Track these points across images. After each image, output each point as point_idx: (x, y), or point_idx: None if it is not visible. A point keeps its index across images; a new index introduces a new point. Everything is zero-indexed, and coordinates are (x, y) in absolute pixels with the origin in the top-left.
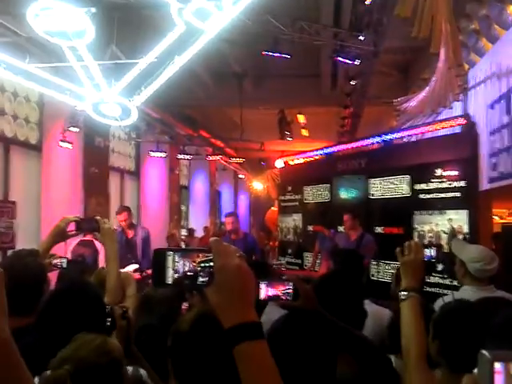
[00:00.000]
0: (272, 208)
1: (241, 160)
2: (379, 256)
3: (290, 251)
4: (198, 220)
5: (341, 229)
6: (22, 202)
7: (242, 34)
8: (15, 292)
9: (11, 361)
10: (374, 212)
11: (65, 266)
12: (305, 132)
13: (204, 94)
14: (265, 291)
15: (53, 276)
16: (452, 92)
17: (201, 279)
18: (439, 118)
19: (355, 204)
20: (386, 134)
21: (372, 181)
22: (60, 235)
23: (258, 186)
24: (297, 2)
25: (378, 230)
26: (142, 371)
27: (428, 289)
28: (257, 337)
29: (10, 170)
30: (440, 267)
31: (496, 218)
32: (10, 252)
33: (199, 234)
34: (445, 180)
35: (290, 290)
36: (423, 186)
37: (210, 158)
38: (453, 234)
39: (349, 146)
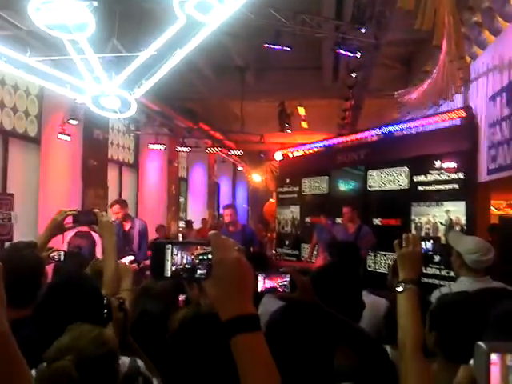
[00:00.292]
0: (270, 200)
1: (240, 152)
2: (376, 247)
3: (287, 243)
4: (196, 212)
5: (339, 221)
6: (20, 195)
7: (244, 27)
8: (13, 284)
9: (9, 353)
10: (371, 204)
11: (62, 259)
12: (305, 124)
13: (205, 87)
14: (262, 283)
15: (48, 269)
16: (454, 84)
17: (199, 272)
18: (440, 110)
19: (353, 196)
20: (386, 126)
21: (370, 173)
22: (57, 228)
23: (256, 178)
24: None
25: (376, 221)
26: (140, 362)
27: (425, 280)
28: (254, 328)
29: (8, 163)
30: (437, 259)
31: (493, 210)
32: (7, 244)
33: (197, 226)
34: (443, 172)
35: (288, 282)
36: (422, 178)
37: (210, 151)
38: (450, 225)
39: (348, 138)
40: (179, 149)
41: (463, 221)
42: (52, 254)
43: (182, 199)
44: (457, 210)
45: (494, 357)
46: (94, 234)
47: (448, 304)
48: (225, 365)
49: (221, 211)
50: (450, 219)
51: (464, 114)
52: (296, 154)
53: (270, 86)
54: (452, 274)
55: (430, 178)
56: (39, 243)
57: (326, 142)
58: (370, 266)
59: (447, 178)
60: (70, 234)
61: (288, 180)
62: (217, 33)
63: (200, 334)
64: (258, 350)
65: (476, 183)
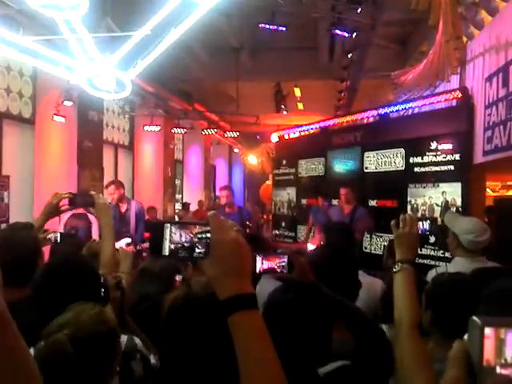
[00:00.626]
0: (266, 182)
1: (236, 134)
2: (373, 229)
3: (283, 224)
4: (192, 194)
5: (335, 202)
6: (15, 177)
7: (240, 7)
8: (9, 264)
9: (8, 331)
10: (368, 185)
11: (59, 240)
12: (300, 105)
13: (200, 69)
14: (260, 264)
15: (45, 251)
16: (450, 65)
17: (197, 250)
18: (436, 91)
19: (350, 177)
20: (382, 108)
21: (367, 154)
22: (53, 212)
23: (252, 160)
24: None
25: (372, 203)
26: (137, 340)
27: (420, 260)
28: (251, 307)
29: (3, 145)
30: (432, 239)
31: (489, 191)
32: (3, 226)
33: (194, 208)
34: (439, 153)
35: (286, 263)
36: (418, 160)
37: (205, 133)
38: (446, 206)
39: (344, 119)
40: (175, 130)
41: (459, 202)
42: (48, 236)
43: (177, 181)
44: (453, 192)
45: (487, 331)
46: (90, 215)
47: (444, 283)
48: (218, 344)
49: (217, 193)
50: (446, 200)
51: (460, 95)
52: (292, 135)
53: (266, 66)
54: (447, 254)
55: (426, 159)
56: (36, 226)
57: (322, 124)
58: (366, 248)
59: (443, 159)
60: (66, 216)
61: (284, 162)
62: (211, 13)
63: (190, 315)
64: (256, 327)
65: (471, 165)
